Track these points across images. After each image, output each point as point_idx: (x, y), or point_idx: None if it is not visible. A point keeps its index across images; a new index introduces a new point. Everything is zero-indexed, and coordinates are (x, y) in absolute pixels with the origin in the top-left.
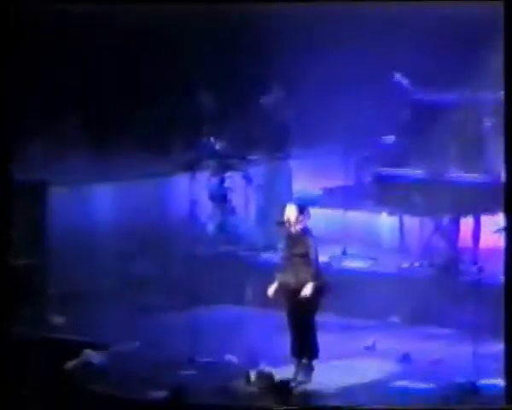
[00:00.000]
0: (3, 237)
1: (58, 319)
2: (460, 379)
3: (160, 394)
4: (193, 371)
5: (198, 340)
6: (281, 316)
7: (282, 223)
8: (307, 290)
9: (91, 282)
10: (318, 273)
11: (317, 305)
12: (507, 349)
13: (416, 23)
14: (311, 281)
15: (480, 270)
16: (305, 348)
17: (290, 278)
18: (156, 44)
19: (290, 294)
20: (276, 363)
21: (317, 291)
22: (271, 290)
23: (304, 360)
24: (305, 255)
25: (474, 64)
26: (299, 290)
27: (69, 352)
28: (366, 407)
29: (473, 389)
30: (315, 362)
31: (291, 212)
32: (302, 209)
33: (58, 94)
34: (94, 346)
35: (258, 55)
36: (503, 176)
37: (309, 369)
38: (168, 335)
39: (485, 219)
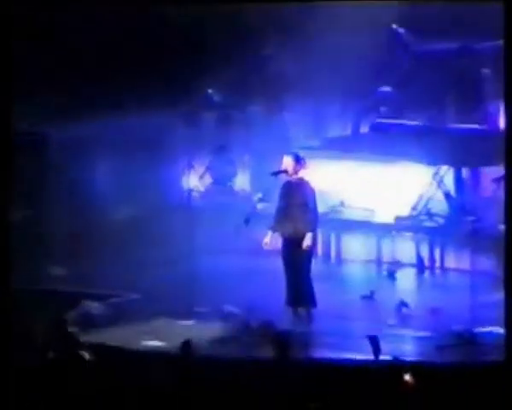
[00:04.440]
0: (4, 190)
1: (58, 271)
2: (458, 327)
3: (159, 344)
4: (192, 322)
5: (197, 290)
6: (278, 266)
7: (278, 173)
8: (308, 241)
9: (91, 234)
10: (316, 223)
11: (313, 254)
12: (507, 298)
13: None
14: (310, 231)
15: (479, 219)
16: (302, 297)
17: (288, 228)
18: None
19: (288, 243)
20: (276, 313)
21: (315, 240)
22: (267, 240)
23: (301, 310)
24: (304, 205)
25: (472, 12)
26: (297, 240)
27: (69, 303)
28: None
29: (470, 338)
30: (313, 311)
31: (288, 162)
32: (299, 159)
33: (60, 48)
34: (93, 297)
35: (256, 5)
36: (502, 125)
37: (308, 318)
38: (167, 286)
39: (484, 169)
